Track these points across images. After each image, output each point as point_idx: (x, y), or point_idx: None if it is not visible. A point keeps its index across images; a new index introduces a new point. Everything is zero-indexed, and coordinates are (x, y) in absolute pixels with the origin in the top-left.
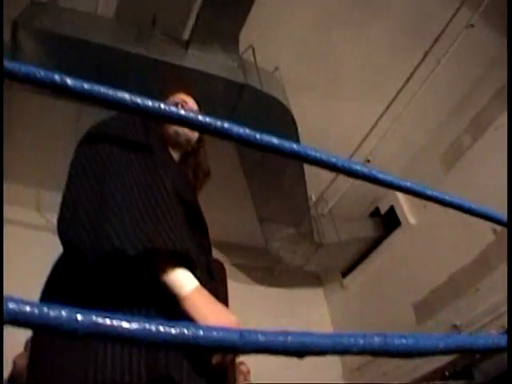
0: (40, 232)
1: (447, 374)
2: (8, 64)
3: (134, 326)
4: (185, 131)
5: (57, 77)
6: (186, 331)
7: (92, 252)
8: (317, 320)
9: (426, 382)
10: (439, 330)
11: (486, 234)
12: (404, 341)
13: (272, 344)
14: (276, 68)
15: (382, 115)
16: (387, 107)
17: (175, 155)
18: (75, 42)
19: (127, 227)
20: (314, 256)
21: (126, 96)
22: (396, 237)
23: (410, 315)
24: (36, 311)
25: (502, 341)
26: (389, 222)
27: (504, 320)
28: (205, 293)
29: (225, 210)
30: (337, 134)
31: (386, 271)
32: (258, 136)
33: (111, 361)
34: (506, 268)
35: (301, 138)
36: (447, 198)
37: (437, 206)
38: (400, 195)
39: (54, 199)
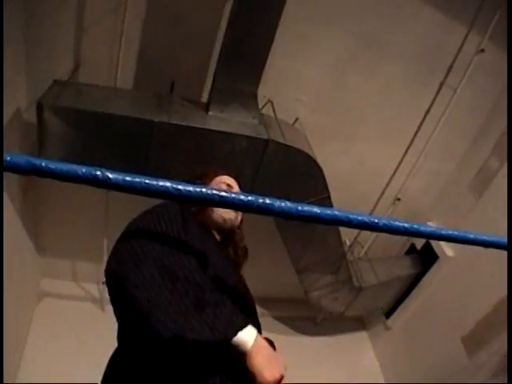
0: (78, 302)
1: None
2: (48, 163)
3: None
4: (231, 217)
5: (98, 172)
6: None
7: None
8: (365, 364)
9: None
10: (492, 360)
11: None
12: None
13: None
14: (296, 119)
15: (406, 151)
16: (410, 143)
17: (217, 237)
18: (98, 115)
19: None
20: (355, 300)
21: (168, 184)
22: (435, 271)
23: (460, 349)
24: None
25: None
26: (426, 257)
27: None
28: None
29: (261, 265)
30: (364, 177)
31: (429, 307)
32: (299, 208)
33: None
34: None
35: (329, 186)
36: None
37: None
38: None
39: (89, 269)
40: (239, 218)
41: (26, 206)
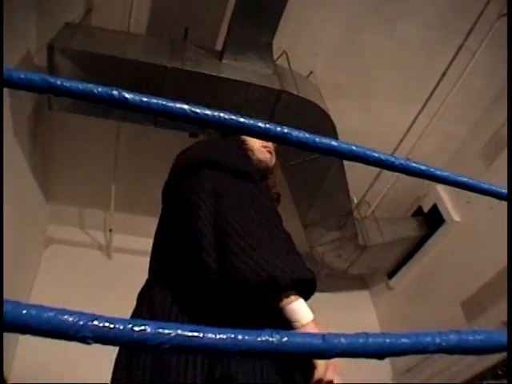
0: (84, 249)
1: (500, 372)
2: (64, 81)
3: (221, 336)
4: (266, 157)
5: (115, 92)
6: (270, 339)
7: (253, 276)
8: (364, 323)
9: (479, 381)
10: (489, 327)
11: None
12: (478, 337)
13: (354, 346)
14: (311, 72)
15: (419, 113)
16: (424, 104)
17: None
18: (111, 59)
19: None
20: (359, 259)
21: (185, 107)
22: (441, 235)
23: (459, 313)
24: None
25: None
26: (432, 220)
27: None
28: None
29: None
30: (375, 135)
31: (432, 270)
32: (317, 139)
33: None
34: None
35: (342, 140)
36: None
37: (481, 202)
38: (442, 192)
39: (97, 216)
40: (273, 160)
41: (35, 152)
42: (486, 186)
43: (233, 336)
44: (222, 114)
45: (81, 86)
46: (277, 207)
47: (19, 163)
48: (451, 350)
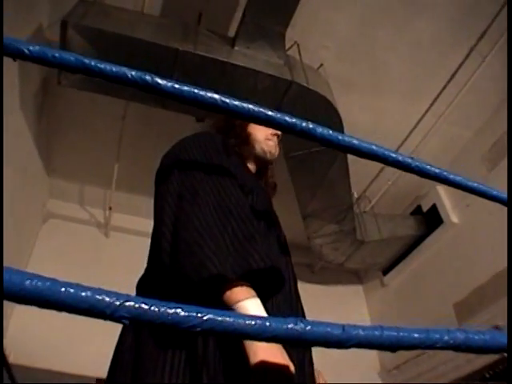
0: (82, 225)
1: (487, 375)
2: (98, 63)
3: (251, 322)
4: (272, 150)
5: (148, 77)
6: (295, 327)
7: (194, 274)
8: (355, 318)
9: (465, 382)
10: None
11: None
12: (483, 336)
13: (370, 338)
14: (321, 65)
15: (426, 112)
16: (431, 104)
17: (252, 169)
18: (123, 39)
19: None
20: (356, 253)
21: (216, 96)
22: (438, 235)
23: (451, 314)
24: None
25: None
26: (431, 220)
27: None
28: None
29: None
30: (381, 132)
31: (427, 270)
32: (340, 137)
33: None
34: None
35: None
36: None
37: (480, 205)
38: (443, 193)
39: (97, 194)
40: (278, 150)
41: (40, 125)
42: (486, 189)
43: (261, 322)
44: (250, 106)
45: (114, 68)
46: (273, 196)
47: (24, 135)
48: (457, 347)
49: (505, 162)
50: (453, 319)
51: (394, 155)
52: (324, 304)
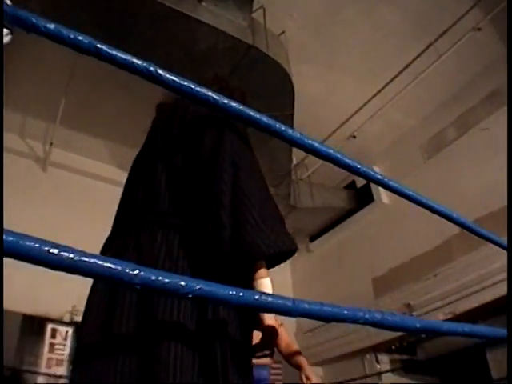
0: (19, 157)
1: (393, 347)
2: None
3: (227, 291)
4: None
5: (152, 68)
6: (260, 297)
7: (232, 244)
8: (277, 279)
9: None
10: (393, 306)
11: (452, 225)
12: (395, 318)
13: (312, 311)
14: (282, 32)
15: (375, 94)
16: (381, 89)
17: None
18: None
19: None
20: (287, 217)
21: (210, 94)
22: (367, 212)
23: (369, 288)
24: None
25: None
26: (363, 196)
27: (453, 307)
28: None
29: None
30: (329, 106)
31: (352, 243)
32: (305, 140)
33: None
34: (466, 259)
35: (296, 103)
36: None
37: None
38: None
39: (38, 127)
40: None
41: None
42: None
43: (236, 293)
44: (241, 107)
45: (124, 56)
46: None
47: None
48: (374, 324)
49: (440, 155)
50: (370, 292)
51: (348, 161)
52: None
